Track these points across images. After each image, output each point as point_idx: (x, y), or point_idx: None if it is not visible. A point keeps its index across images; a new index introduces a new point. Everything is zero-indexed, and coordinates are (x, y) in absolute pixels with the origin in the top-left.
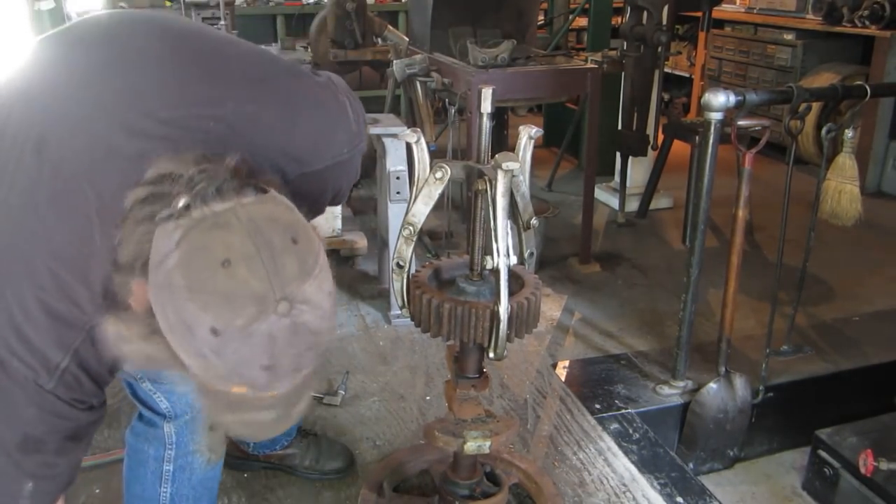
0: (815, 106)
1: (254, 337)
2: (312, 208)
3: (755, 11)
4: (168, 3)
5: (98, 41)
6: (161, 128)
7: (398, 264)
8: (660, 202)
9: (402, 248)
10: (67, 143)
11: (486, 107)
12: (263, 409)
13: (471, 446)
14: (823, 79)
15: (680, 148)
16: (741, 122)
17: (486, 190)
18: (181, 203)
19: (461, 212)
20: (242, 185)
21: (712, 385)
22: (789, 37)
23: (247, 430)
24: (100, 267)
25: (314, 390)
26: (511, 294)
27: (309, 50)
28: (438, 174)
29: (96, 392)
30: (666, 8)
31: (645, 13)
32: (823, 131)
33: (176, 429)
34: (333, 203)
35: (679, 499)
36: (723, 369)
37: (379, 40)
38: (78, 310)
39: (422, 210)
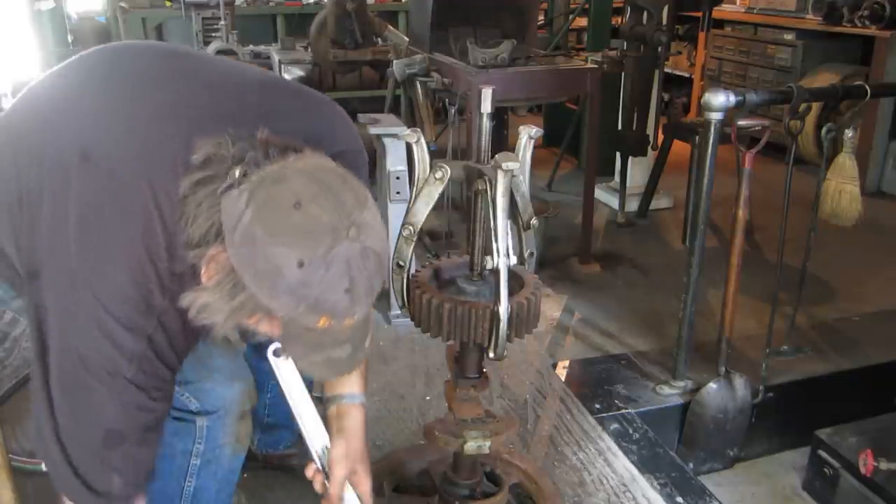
0: (815, 106)
1: (334, 263)
2: None
3: (755, 11)
4: (168, 3)
5: (135, 68)
6: (207, 121)
7: (398, 264)
8: (660, 202)
9: (402, 248)
10: (118, 148)
11: (486, 107)
12: (342, 343)
13: (471, 446)
14: (823, 79)
15: (680, 148)
16: (741, 122)
17: (486, 190)
18: (237, 173)
19: (461, 212)
20: (283, 150)
21: (712, 385)
22: (789, 37)
23: (329, 369)
24: (164, 253)
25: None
26: (511, 294)
27: (309, 50)
28: (438, 174)
29: (169, 378)
30: (666, 8)
31: (645, 13)
32: (823, 131)
33: (209, 423)
34: None
35: (679, 499)
36: (723, 369)
37: (379, 40)
38: (151, 298)
39: (422, 210)
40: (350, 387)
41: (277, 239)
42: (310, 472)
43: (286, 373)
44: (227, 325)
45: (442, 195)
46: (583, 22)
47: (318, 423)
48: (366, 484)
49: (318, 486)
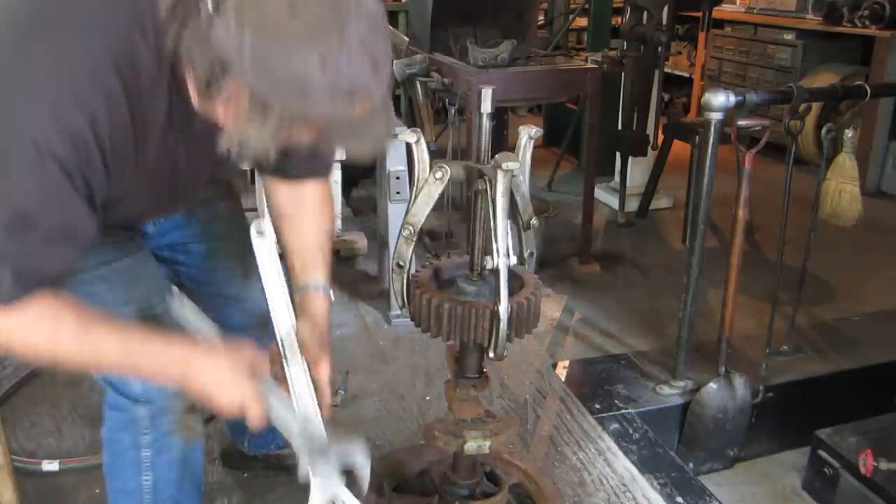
0: (815, 106)
1: (351, 47)
2: None
3: (755, 11)
4: None
5: None
6: None
7: (398, 264)
8: (660, 202)
9: (402, 248)
10: None
11: (486, 107)
12: (376, 117)
13: (471, 446)
14: (823, 79)
15: (680, 148)
16: (741, 122)
17: (486, 190)
18: (209, 4)
19: (461, 212)
20: None
21: (712, 385)
22: (789, 37)
23: (374, 144)
24: (137, 52)
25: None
26: (511, 294)
27: None
28: (438, 174)
29: (101, 179)
30: (666, 8)
31: (645, 13)
32: (823, 131)
33: (150, 412)
34: None
35: (679, 499)
36: (723, 369)
37: None
38: (102, 78)
39: (422, 210)
40: (315, 277)
41: (289, 48)
42: (271, 353)
43: (264, 252)
44: (272, 148)
45: (442, 195)
46: (583, 22)
47: (286, 306)
48: (325, 370)
49: (276, 370)
